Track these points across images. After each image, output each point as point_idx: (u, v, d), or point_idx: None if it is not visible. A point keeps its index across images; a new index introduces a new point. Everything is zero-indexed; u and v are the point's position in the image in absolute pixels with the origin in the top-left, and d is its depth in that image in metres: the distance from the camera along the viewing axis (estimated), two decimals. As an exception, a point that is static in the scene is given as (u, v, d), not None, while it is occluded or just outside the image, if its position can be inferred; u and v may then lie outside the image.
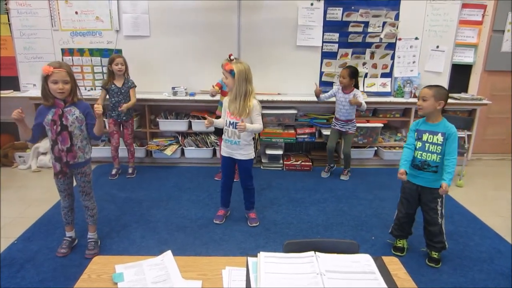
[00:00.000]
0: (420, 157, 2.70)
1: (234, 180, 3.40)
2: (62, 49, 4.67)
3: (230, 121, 3.07)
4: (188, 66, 4.73)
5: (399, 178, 2.73)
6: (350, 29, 4.62)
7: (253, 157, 3.22)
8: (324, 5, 4.54)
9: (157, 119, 4.75)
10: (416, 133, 2.73)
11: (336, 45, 4.70)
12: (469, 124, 4.56)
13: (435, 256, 2.79)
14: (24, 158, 4.71)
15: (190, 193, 3.99)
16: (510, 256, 2.95)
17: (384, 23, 4.62)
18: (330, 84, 4.76)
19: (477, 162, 5.21)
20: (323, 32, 4.64)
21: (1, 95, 4.62)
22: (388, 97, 4.83)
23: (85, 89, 4.76)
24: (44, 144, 4.50)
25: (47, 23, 4.57)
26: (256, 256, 1.42)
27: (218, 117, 3.63)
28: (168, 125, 4.79)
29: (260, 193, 3.95)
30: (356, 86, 4.19)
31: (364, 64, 4.79)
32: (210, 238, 3.13)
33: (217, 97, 4.12)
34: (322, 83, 4.78)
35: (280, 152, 4.82)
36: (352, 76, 4.09)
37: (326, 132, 4.63)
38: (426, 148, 2.67)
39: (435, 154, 2.64)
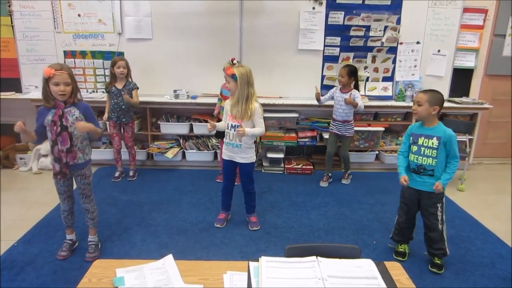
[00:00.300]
0: (416, 161, 2.71)
1: (235, 183, 3.39)
2: (64, 51, 4.68)
3: (231, 124, 3.07)
4: (190, 69, 4.73)
5: (402, 184, 2.76)
6: (352, 33, 4.63)
7: (254, 161, 3.22)
8: (325, 9, 4.55)
9: (159, 122, 4.75)
10: (411, 137, 2.74)
11: (338, 49, 4.71)
12: (470, 128, 4.55)
13: (438, 261, 2.78)
14: (25, 160, 4.72)
15: (191, 196, 3.99)
16: (511, 260, 2.94)
17: (386, 27, 4.63)
18: (332, 88, 4.72)
19: (478, 166, 5.21)
20: (325, 36, 4.65)
21: (4, 97, 4.63)
22: (389, 101, 4.83)
23: (87, 91, 4.77)
24: (45, 146, 4.50)
25: (50, 25, 4.58)
26: (258, 261, 1.41)
27: (220, 120, 3.63)
28: (169, 128, 4.79)
29: (261, 197, 3.95)
30: (356, 86, 4.13)
31: (365, 68, 4.80)
32: (211, 242, 3.12)
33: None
34: (324, 87, 4.77)
35: (281, 155, 4.82)
36: (351, 75, 4.03)
37: (327, 135, 4.62)
38: (422, 152, 2.67)
39: (430, 158, 2.65)
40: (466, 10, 4.69)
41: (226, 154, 3.21)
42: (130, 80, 4.20)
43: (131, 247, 3.02)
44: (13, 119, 4.85)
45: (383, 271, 1.43)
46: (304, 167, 4.71)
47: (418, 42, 4.76)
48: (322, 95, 4.29)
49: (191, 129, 4.79)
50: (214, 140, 4.77)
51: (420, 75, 4.85)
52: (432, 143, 2.63)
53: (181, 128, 4.79)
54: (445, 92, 4.79)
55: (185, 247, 3.04)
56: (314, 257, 1.43)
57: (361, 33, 4.63)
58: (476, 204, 3.97)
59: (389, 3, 4.56)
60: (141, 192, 4.07)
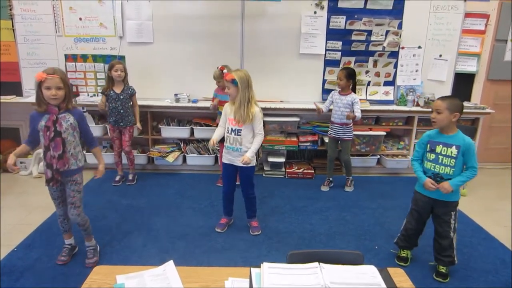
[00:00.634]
0: (433, 169, 2.62)
1: (237, 182, 3.34)
2: (65, 55, 4.67)
3: (232, 128, 3.06)
4: (191, 73, 4.72)
5: (428, 189, 2.62)
6: (353, 37, 4.62)
7: (255, 165, 3.21)
8: (327, 14, 4.55)
9: (159, 126, 4.74)
10: (428, 145, 2.65)
11: (339, 53, 4.70)
12: (472, 133, 4.52)
13: (443, 270, 2.73)
14: (25, 164, 4.70)
15: (192, 200, 3.97)
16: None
17: (387, 31, 4.62)
18: (333, 92, 4.76)
19: (480, 171, 5.08)
20: (326, 40, 4.64)
21: (4, 101, 4.62)
22: (391, 105, 4.82)
23: (88, 95, 4.77)
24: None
25: (51, 29, 4.58)
26: (260, 267, 1.40)
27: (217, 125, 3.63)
28: (170, 131, 4.78)
29: (262, 201, 3.93)
30: (354, 88, 4.13)
31: (367, 72, 4.79)
32: (212, 247, 3.10)
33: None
34: (325, 91, 4.77)
35: (282, 159, 4.80)
36: (349, 77, 4.02)
37: (328, 140, 4.61)
38: (440, 161, 2.59)
39: (448, 167, 2.56)
40: (467, 15, 4.68)
41: (226, 157, 3.20)
42: (127, 84, 4.19)
43: (131, 252, 3.00)
44: (13, 123, 4.91)
45: (386, 277, 1.42)
46: (305, 171, 4.70)
47: (419, 47, 4.75)
48: (324, 100, 4.28)
49: (192, 133, 4.79)
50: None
51: (421, 80, 4.84)
52: (451, 152, 2.54)
53: (182, 132, 4.77)
54: (447, 96, 4.77)
55: (186, 252, 3.02)
56: (316, 264, 1.42)
57: (363, 38, 4.63)
58: (478, 209, 3.95)
59: (390, 7, 4.55)
60: (142, 196, 4.05)
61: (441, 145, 2.59)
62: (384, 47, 4.67)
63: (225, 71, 3.48)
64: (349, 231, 3.43)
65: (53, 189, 2.68)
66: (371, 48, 4.68)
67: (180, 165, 4.84)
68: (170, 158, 4.67)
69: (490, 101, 5.03)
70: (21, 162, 4.70)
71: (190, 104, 4.60)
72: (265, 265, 1.39)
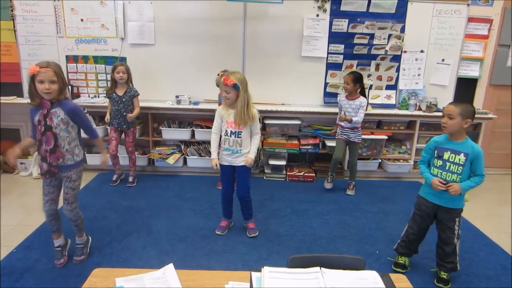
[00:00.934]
0: (439, 176, 2.58)
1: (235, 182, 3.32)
2: (66, 56, 4.67)
3: (232, 131, 3.05)
4: (192, 75, 4.72)
5: (435, 188, 2.57)
6: (356, 40, 4.62)
7: (252, 166, 3.19)
8: (329, 17, 4.55)
9: (160, 128, 4.73)
10: (436, 151, 2.61)
11: (341, 56, 4.70)
12: (474, 138, 4.52)
13: (444, 276, 2.70)
14: (25, 165, 4.70)
15: (192, 202, 3.96)
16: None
17: (390, 35, 4.62)
18: (335, 95, 4.74)
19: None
20: (328, 43, 4.64)
21: (5, 101, 4.61)
22: (392, 109, 4.81)
23: (89, 96, 4.77)
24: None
25: (53, 30, 4.58)
26: (260, 271, 1.38)
27: None
28: (171, 133, 4.77)
29: (263, 204, 3.92)
30: (362, 92, 4.10)
31: (369, 76, 4.78)
32: (212, 249, 3.08)
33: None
34: (327, 94, 4.77)
35: (283, 162, 4.79)
36: (356, 82, 3.99)
37: (329, 143, 4.60)
38: (447, 168, 2.54)
39: (455, 174, 2.52)
40: (471, 19, 4.68)
41: (225, 159, 3.18)
42: (130, 86, 4.18)
43: (131, 253, 2.98)
44: (14, 124, 4.90)
45: (388, 283, 1.40)
46: (306, 174, 4.68)
47: (422, 51, 4.75)
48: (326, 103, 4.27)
49: (193, 135, 4.78)
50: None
51: (424, 84, 4.83)
52: (459, 159, 2.49)
53: (182, 134, 4.76)
54: (449, 101, 4.75)
55: (185, 254, 3.00)
56: (317, 268, 1.40)
57: (365, 41, 4.62)
58: (479, 214, 3.93)
59: (393, 11, 4.55)
60: (142, 198, 4.04)
61: (449, 152, 2.54)
62: (386, 51, 4.66)
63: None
64: (350, 235, 3.41)
65: (47, 182, 2.65)
66: (374, 51, 4.67)
67: (180, 167, 4.83)
68: (171, 160, 4.66)
69: (493, 106, 5.02)
70: (21, 163, 4.69)
71: (191, 106, 4.59)
72: (266, 269, 1.38)
